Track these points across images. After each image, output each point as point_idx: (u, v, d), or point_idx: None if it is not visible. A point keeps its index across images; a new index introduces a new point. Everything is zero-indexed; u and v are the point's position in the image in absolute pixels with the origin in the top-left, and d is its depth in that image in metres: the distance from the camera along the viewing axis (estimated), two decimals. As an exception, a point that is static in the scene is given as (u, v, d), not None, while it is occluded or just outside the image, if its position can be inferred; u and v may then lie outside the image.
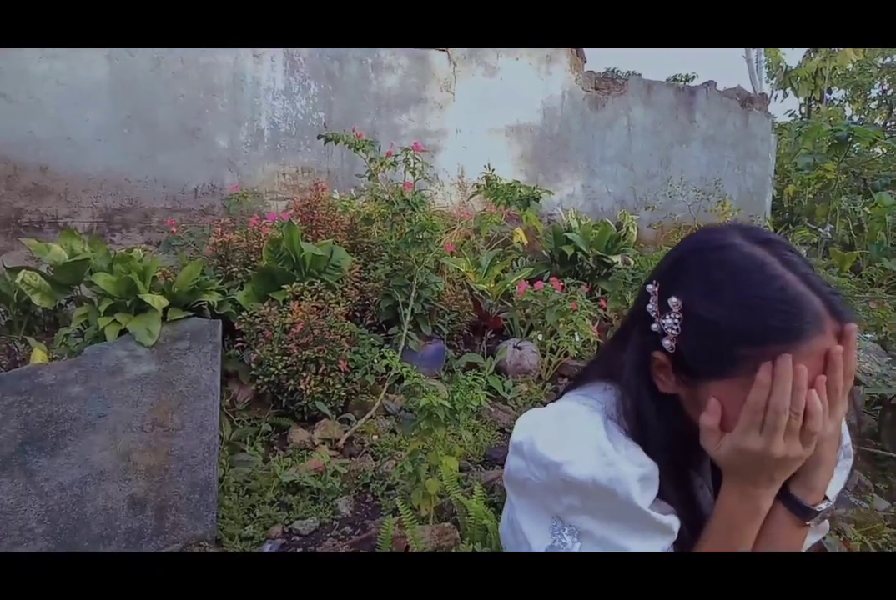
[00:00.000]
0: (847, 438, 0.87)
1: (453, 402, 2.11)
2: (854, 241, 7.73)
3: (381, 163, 3.31)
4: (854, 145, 7.91)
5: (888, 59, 12.51)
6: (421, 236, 3.05)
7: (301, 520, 2.48)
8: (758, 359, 0.64)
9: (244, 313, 3.20)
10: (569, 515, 0.74)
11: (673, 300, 0.71)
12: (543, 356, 3.86)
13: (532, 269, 4.49)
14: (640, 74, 11.99)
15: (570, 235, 4.94)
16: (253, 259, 3.56)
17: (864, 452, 2.95)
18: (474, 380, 2.26)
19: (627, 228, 5.18)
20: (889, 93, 12.96)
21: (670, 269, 0.75)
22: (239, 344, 3.21)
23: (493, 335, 4.22)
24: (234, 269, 3.52)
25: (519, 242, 4.85)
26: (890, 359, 4.95)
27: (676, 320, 0.71)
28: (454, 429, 2.21)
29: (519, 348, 3.86)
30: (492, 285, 4.05)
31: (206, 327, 3.19)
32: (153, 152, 4.11)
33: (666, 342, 0.72)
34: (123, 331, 2.93)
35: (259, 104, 4.34)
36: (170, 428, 2.58)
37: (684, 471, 0.79)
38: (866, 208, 8.09)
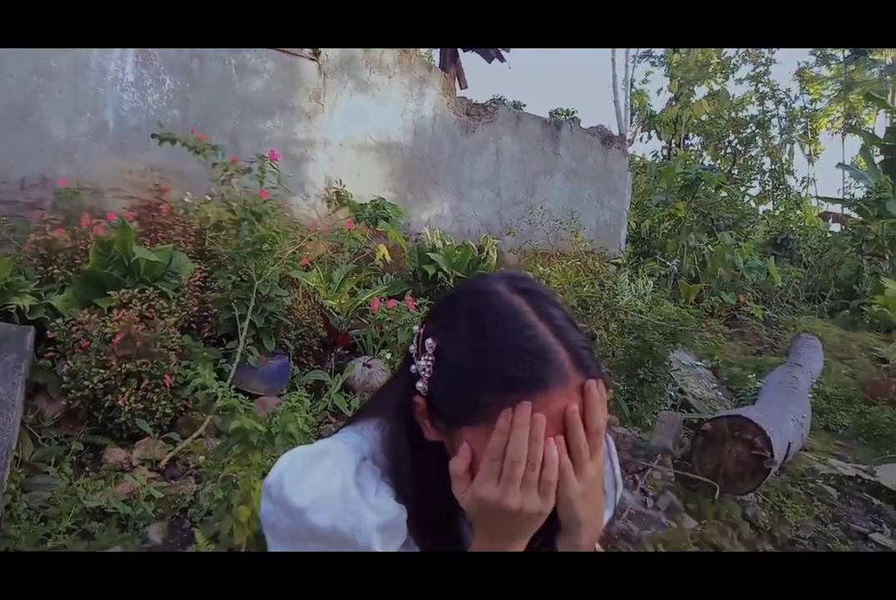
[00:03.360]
0: (617, 469, 0.89)
1: (270, 425, 2.00)
2: (699, 275, 8.47)
3: (226, 170, 3.14)
4: (704, 188, 8.71)
5: (733, 114, 13.95)
6: (262, 248, 2.92)
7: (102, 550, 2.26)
8: (501, 407, 0.63)
9: (59, 320, 2.91)
10: None
11: (429, 342, 0.69)
12: (393, 375, 3.82)
13: (388, 287, 4.46)
14: (524, 105, 12.51)
15: (432, 255, 4.99)
16: (79, 261, 3.26)
17: (679, 475, 3.15)
18: (298, 401, 2.16)
19: (488, 252, 5.31)
20: (734, 143, 14.42)
21: (435, 311, 0.75)
22: (51, 353, 2.91)
23: (346, 352, 4.13)
24: (56, 271, 3.20)
25: (381, 259, 4.82)
26: (716, 385, 5.42)
27: (430, 362, 0.69)
28: (272, 452, 2.10)
29: (368, 366, 3.80)
30: (342, 301, 3.97)
31: (12, 334, 2.87)
32: (-29, 135, 3.67)
33: (419, 384, 0.70)
34: None
35: (104, 94, 4.00)
36: (-53, 448, 2.26)
37: (448, 513, 0.76)
38: (710, 246, 8.91)
